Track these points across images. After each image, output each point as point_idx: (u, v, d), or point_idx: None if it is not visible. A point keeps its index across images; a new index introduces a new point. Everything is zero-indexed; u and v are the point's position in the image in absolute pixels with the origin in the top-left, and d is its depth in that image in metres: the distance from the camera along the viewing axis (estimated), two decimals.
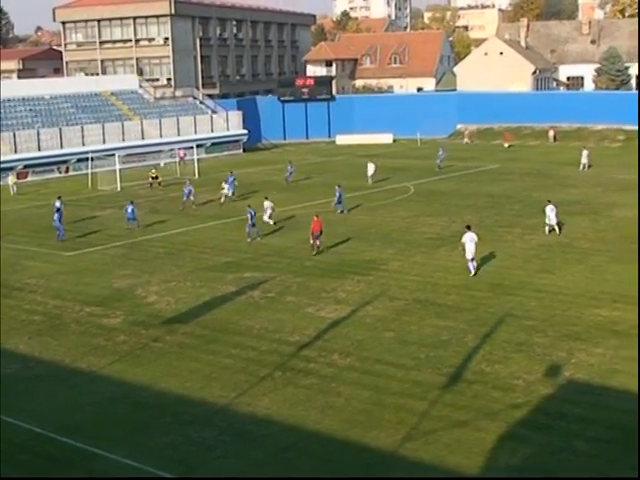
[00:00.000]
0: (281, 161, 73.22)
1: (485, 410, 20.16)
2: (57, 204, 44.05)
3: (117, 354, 25.14)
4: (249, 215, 39.64)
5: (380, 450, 18.40)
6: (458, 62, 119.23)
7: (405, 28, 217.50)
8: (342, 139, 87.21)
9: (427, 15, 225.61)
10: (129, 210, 43.44)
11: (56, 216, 41.88)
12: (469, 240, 32.00)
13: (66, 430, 19.82)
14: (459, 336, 25.46)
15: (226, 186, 51.44)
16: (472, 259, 32.11)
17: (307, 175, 62.32)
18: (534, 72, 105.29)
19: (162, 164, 61.98)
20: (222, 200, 50.94)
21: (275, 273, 33.82)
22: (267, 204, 43.05)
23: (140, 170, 67.34)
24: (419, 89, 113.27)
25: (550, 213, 38.88)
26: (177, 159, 68.90)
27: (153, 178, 60.17)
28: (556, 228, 38.86)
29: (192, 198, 49.92)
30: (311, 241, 36.64)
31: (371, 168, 57.16)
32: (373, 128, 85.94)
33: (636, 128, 78.20)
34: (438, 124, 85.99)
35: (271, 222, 42.62)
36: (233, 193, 51.95)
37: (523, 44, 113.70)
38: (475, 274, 31.95)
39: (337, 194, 46.40)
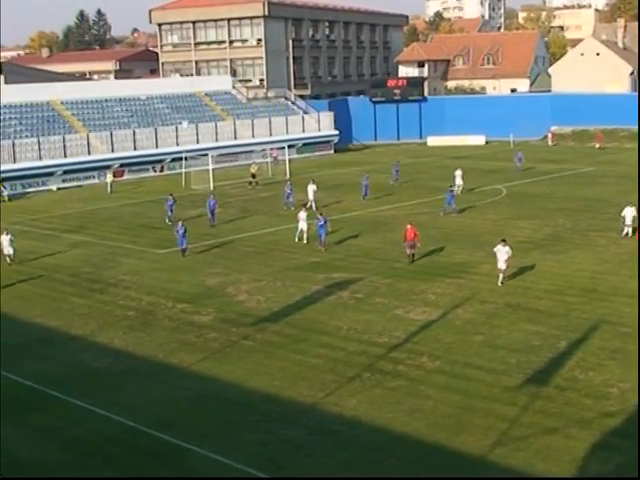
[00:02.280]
0: (372, 162, 73.25)
1: (577, 418, 19.77)
2: (169, 202, 46.17)
3: (207, 351, 25.51)
4: (319, 223, 38.36)
5: (469, 455, 18.22)
6: (553, 63, 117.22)
7: (499, 28, 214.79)
8: (433, 140, 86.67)
9: (522, 15, 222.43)
10: (211, 203, 44.94)
11: (168, 210, 45.15)
12: (500, 251, 31.59)
13: (157, 424, 20.20)
14: (551, 342, 25.02)
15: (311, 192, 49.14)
16: (500, 270, 31.60)
17: (397, 176, 62.06)
18: (631, 73, 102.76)
19: (254, 166, 62.10)
20: (308, 205, 48.79)
21: (364, 274, 33.81)
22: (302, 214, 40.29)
23: (232, 170, 68.22)
24: (512, 90, 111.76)
25: (628, 214, 38.68)
26: (270, 159, 69.34)
27: (252, 176, 60.68)
28: (629, 231, 38.19)
29: (291, 200, 49.30)
30: (406, 251, 35.42)
31: (459, 176, 53.51)
32: (465, 129, 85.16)
33: None
34: (531, 126, 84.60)
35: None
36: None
37: (620, 45, 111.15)
38: (501, 284, 31.39)
39: (448, 195, 46.01)
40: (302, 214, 39.94)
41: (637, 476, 15.39)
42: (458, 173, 53.47)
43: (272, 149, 70.80)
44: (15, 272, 35.80)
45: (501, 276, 31.47)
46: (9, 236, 37.77)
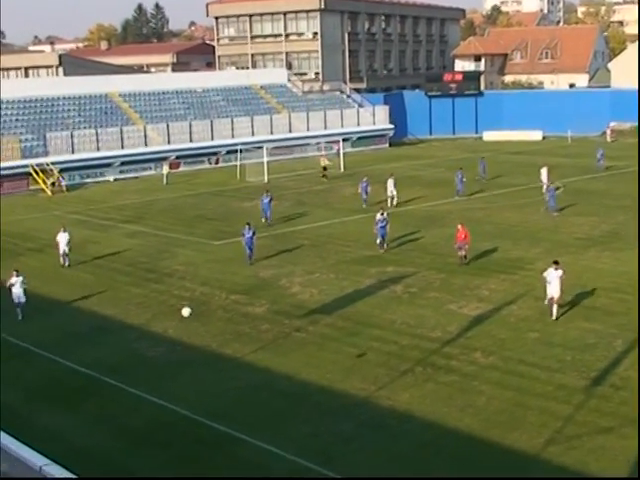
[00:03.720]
0: (427, 156, 72.90)
1: (632, 417, 19.42)
2: (265, 200, 43.39)
3: (261, 342, 25.64)
4: (380, 224, 36.44)
5: (521, 452, 18.06)
6: (612, 58, 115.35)
7: (557, 22, 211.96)
8: (489, 135, 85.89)
9: (581, 10, 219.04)
10: (265, 201, 43.35)
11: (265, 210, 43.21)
12: (551, 275, 26.68)
13: (210, 414, 20.36)
14: (607, 340, 24.65)
15: (390, 187, 47.52)
16: (551, 298, 26.73)
17: (454, 170, 61.66)
18: None
19: (324, 159, 61.67)
20: (391, 203, 47.11)
21: (418, 268, 33.67)
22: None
23: (287, 163, 68.39)
24: (571, 85, 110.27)
25: None
26: (334, 151, 68.84)
27: (323, 169, 60.55)
28: None
29: (365, 196, 47.40)
30: (459, 253, 34.20)
31: (544, 173, 51.41)
32: (522, 125, 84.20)
33: None
34: (590, 122, 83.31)
35: None
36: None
37: None
38: (557, 319, 26.68)
39: (549, 192, 44.77)
40: (379, 216, 36.99)
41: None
42: (544, 170, 51.37)
43: (335, 142, 70.43)
44: (73, 261, 36.31)
45: (555, 308, 26.60)
46: (66, 234, 35.97)
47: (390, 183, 47.68)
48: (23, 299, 28.51)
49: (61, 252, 36.08)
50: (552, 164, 59.22)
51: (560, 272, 26.53)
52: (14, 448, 14.31)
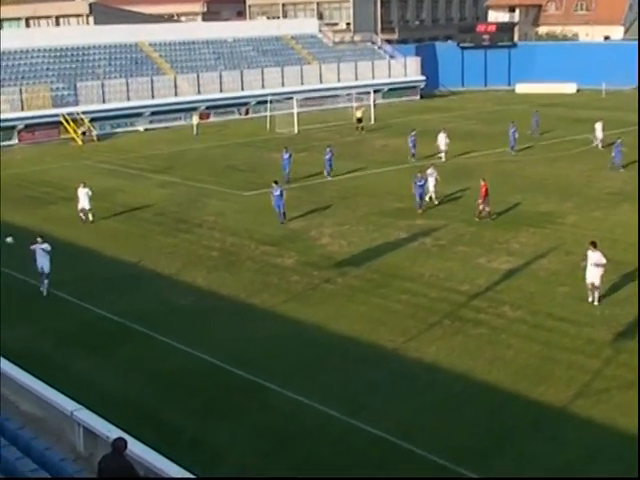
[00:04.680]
0: (459, 108, 72.19)
1: None
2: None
3: (290, 293, 25.74)
4: (418, 183, 35.19)
5: (549, 405, 18.11)
6: None
7: None
8: (522, 87, 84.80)
9: None
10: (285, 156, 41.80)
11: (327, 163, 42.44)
12: (592, 259, 23.91)
13: (240, 362, 20.54)
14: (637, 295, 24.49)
15: (442, 143, 46.22)
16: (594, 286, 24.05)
17: (486, 122, 61.17)
18: None
19: (359, 110, 61.10)
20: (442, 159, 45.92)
21: (447, 221, 33.54)
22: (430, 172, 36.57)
23: (317, 114, 68.03)
24: (606, 37, 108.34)
25: None
26: (366, 102, 68.09)
27: (358, 120, 60.01)
28: None
29: (414, 150, 46.42)
30: (486, 208, 33.65)
31: (599, 128, 49.45)
32: (555, 77, 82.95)
33: None
34: (624, 74, 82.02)
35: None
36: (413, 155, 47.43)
37: None
38: (599, 302, 24.07)
39: (616, 148, 42.83)
40: (430, 171, 36.26)
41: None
42: (598, 126, 49.63)
43: (366, 93, 69.76)
44: (104, 210, 36.52)
45: (596, 294, 24.00)
46: (86, 189, 34.75)
47: (442, 137, 46.30)
48: (47, 269, 25.62)
49: (79, 208, 34.86)
50: (586, 118, 58.52)
51: (599, 255, 23.66)
52: (46, 394, 14.59)
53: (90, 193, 34.86)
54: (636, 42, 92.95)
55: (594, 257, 23.75)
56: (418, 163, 43.80)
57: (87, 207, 34.80)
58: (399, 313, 23.77)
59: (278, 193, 34.18)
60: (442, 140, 46.24)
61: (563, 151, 48.89)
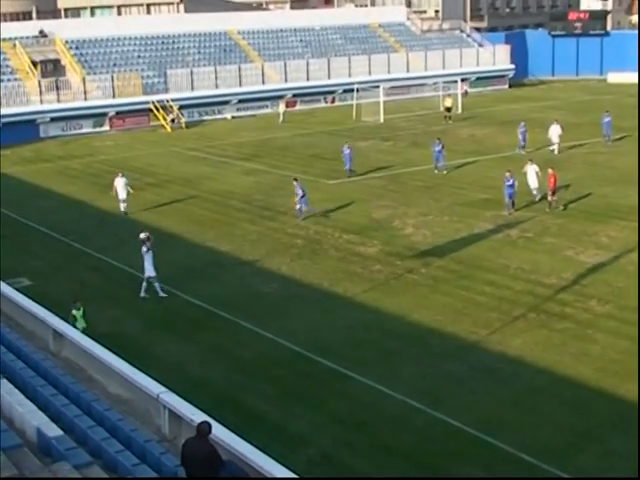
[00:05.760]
0: (548, 98, 70.88)
1: None
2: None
3: (372, 282, 25.72)
4: (507, 182, 33.02)
5: (635, 403, 17.68)
6: None
7: None
8: (614, 77, 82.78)
9: None
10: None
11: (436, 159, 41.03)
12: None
13: (321, 350, 20.65)
14: None
15: (555, 135, 44.53)
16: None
17: (576, 112, 59.94)
18: None
19: (448, 99, 60.54)
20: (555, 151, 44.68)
21: (535, 213, 33.01)
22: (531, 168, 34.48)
23: (404, 103, 67.68)
24: None
25: None
26: (461, 92, 67.51)
27: (447, 109, 59.48)
28: None
29: (523, 143, 44.90)
30: (549, 197, 33.11)
31: None
32: None
33: None
34: None
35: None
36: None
37: None
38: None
39: None
40: (530, 167, 34.41)
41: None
42: None
43: (462, 83, 69.10)
44: (190, 196, 37.05)
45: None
46: (124, 179, 34.66)
47: (555, 129, 44.83)
48: (153, 273, 24.59)
49: (120, 198, 34.48)
50: None
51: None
52: (134, 376, 14.89)
53: (128, 183, 34.69)
54: None
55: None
56: (526, 155, 42.92)
57: (125, 197, 34.50)
58: (482, 305, 23.54)
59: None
60: (554, 132, 44.82)
61: None
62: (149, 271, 24.62)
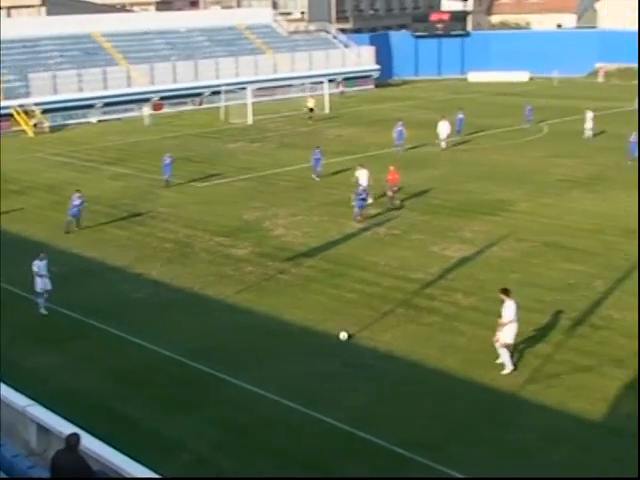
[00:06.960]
0: (412, 98, 72.45)
1: (611, 357, 19.78)
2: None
3: (244, 284, 25.75)
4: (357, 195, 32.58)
5: (502, 391, 18.36)
6: None
7: None
8: (474, 76, 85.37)
9: None
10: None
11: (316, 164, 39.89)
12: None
13: (194, 354, 20.53)
14: (587, 281, 24.93)
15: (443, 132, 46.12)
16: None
17: (438, 111, 61.41)
18: None
19: (310, 100, 61.07)
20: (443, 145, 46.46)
21: (401, 211, 33.73)
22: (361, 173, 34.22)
23: (271, 104, 67.92)
24: (558, 26, 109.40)
25: None
26: (338, 91, 68.23)
27: (310, 110, 60.02)
28: None
29: (400, 141, 45.32)
30: (388, 193, 33.92)
31: (590, 119, 48.51)
32: (508, 66, 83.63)
33: None
34: (576, 63, 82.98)
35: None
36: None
37: None
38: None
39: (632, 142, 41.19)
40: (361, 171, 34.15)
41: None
42: (589, 115, 48.94)
43: (339, 82, 70.36)
44: (54, 203, 36.15)
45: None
46: (79, 194, 32.14)
47: (442, 125, 46.21)
48: (49, 286, 23.78)
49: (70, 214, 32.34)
50: (538, 106, 59.09)
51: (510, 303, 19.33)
52: None
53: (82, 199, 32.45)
54: (587, 30, 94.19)
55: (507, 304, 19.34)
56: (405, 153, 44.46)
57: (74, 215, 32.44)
58: (353, 302, 23.91)
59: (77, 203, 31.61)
60: (443, 128, 46.22)
61: (514, 139, 49.39)
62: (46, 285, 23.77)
